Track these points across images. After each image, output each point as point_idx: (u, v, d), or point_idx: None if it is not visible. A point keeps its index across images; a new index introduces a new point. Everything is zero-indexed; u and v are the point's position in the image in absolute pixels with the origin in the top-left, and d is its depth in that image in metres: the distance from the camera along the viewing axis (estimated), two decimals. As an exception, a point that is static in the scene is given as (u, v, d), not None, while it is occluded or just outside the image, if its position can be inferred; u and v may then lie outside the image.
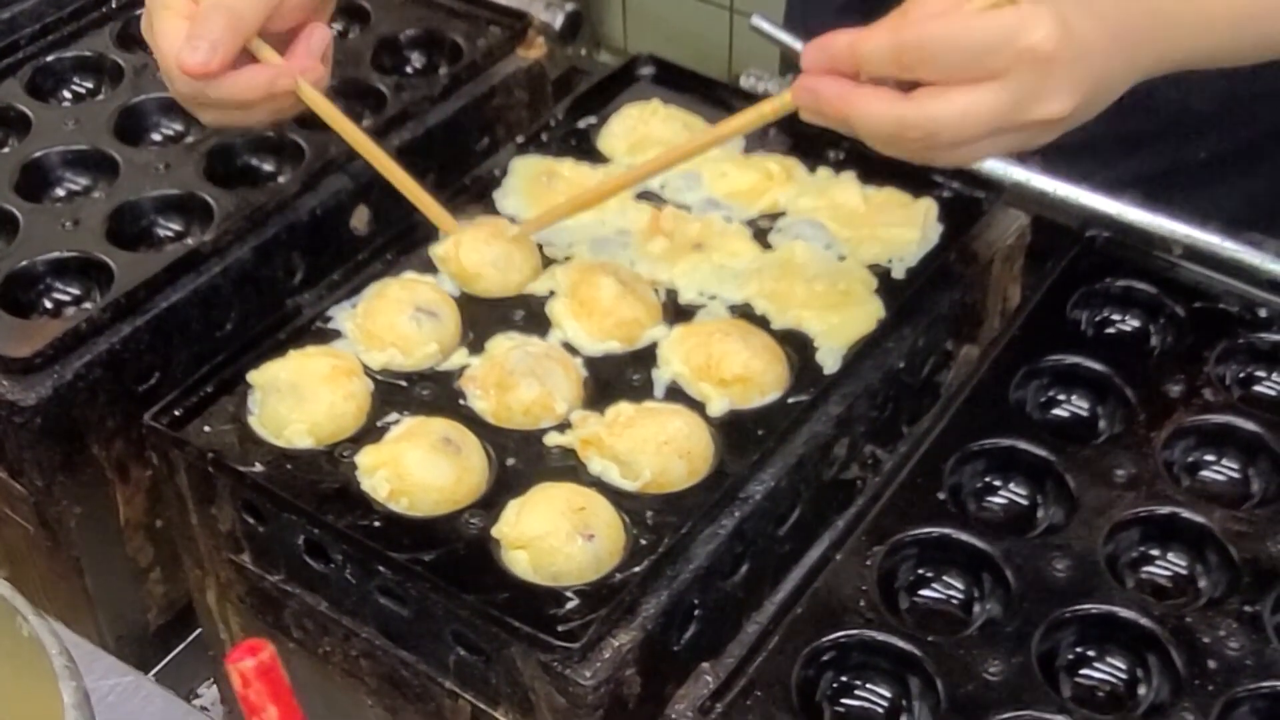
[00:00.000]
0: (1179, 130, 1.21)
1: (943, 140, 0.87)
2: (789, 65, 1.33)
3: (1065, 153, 1.00)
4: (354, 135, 1.08)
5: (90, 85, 1.29)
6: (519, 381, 0.97)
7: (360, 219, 1.18)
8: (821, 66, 0.90)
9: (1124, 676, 0.86)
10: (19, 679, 0.73)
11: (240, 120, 1.07)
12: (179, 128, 1.23)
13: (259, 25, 1.02)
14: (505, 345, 1.01)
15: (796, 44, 1.29)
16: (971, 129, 0.87)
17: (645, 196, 1.14)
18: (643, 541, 0.90)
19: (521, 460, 0.95)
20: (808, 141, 1.17)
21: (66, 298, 1.09)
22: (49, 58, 1.29)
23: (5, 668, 0.74)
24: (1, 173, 1.16)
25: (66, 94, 1.28)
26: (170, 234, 1.14)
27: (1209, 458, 0.98)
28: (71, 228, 1.11)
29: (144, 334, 1.04)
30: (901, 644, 0.85)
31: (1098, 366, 1.01)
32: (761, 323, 1.03)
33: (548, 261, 1.08)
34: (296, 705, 0.62)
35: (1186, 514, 0.92)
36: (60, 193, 1.18)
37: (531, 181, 1.14)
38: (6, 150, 1.20)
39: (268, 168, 1.20)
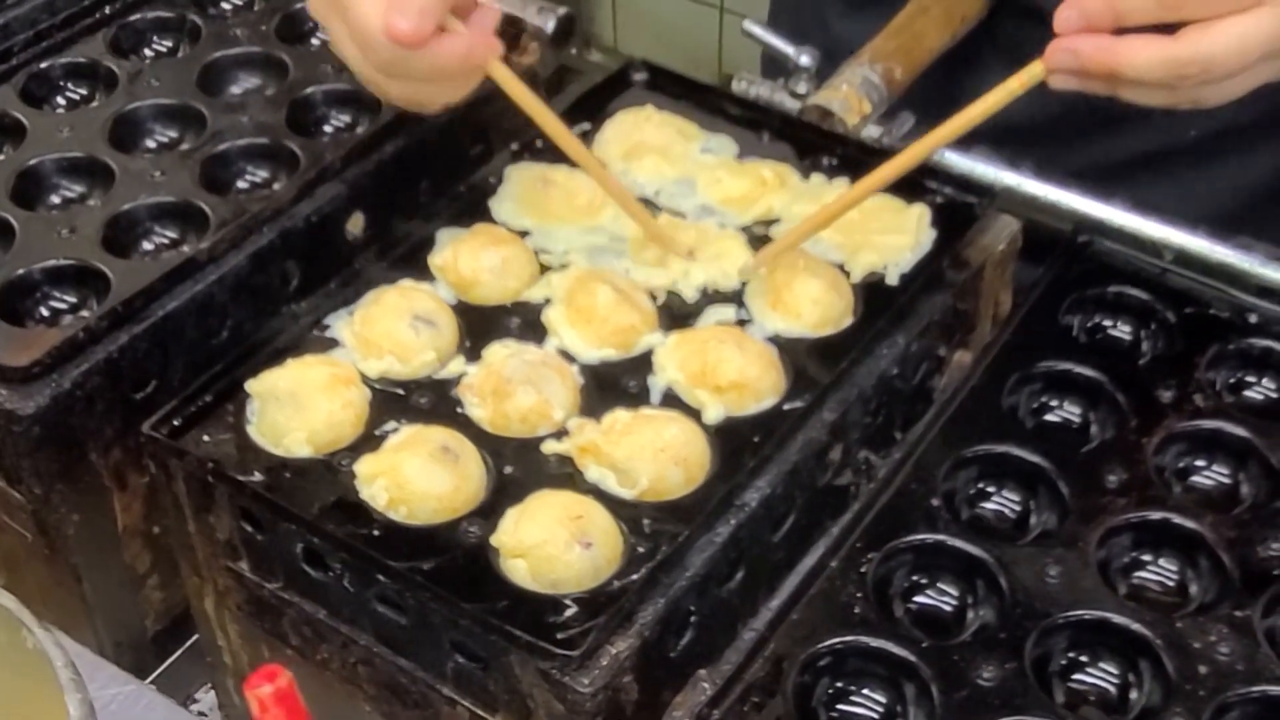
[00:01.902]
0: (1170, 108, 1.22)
1: (1219, 74, 0.88)
2: (775, 68, 1.33)
3: (1056, 133, 1.00)
4: (545, 117, 1.07)
5: (84, 92, 1.29)
6: (516, 389, 0.98)
7: (356, 225, 1.18)
8: (1075, 25, 0.90)
9: (1116, 681, 0.87)
10: (24, 691, 0.73)
11: (428, 96, 1.06)
12: (173, 135, 1.24)
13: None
14: (502, 353, 1.02)
15: (787, 47, 1.30)
16: (1247, 56, 0.87)
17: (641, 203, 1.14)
18: (640, 549, 0.90)
19: (519, 468, 0.95)
20: (801, 148, 1.18)
21: (63, 306, 1.09)
22: (43, 64, 1.29)
23: (11, 680, 0.74)
24: (-3, 181, 1.16)
25: (60, 101, 1.28)
26: (166, 242, 1.15)
27: (1200, 463, 0.98)
28: (68, 236, 1.11)
29: (141, 342, 1.05)
30: (896, 650, 0.86)
31: (1089, 372, 1.02)
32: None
33: (543, 269, 1.09)
34: (314, 729, 0.62)
35: (1178, 520, 0.92)
36: (55, 200, 1.18)
37: (527, 189, 1.14)
38: (1, 157, 1.20)
39: (262, 175, 1.20)
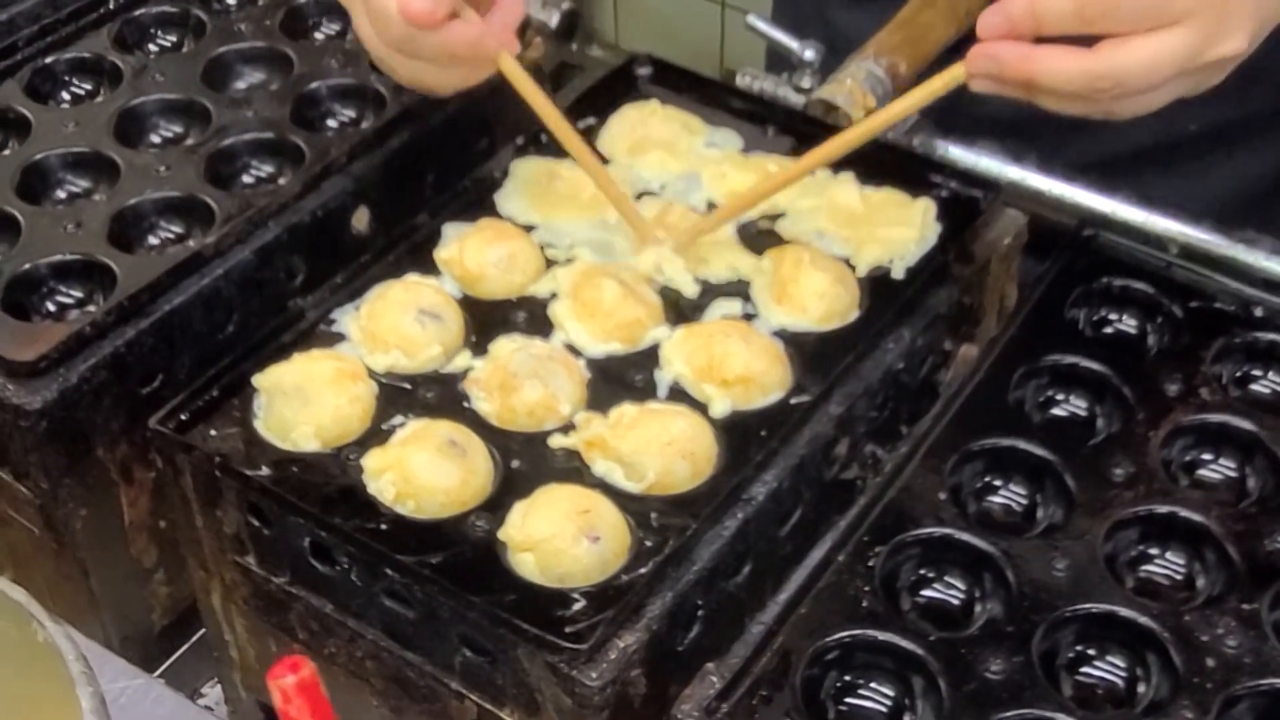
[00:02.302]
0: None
1: (1131, 88, 0.90)
2: (779, 63, 1.33)
3: (1059, 126, 1.01)
4: (549, 113, 1.09)
5: (89, 87, 1.29)
6: (522, 383, 0.98)
7: (361, 220, 1.18)
8: (999, 31, 0.92)
9: (1124, 675, 0.87)
10: (35, 685, 0.74)
11: (435, 80, 1.08)
12: (179, 130, 1.24)
13: None
14: (508, 347, 1.02)
15: (791, 42, 1.30)
16: (1159, 74, 0.89)
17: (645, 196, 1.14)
18: (647, 543, 0.90)
19: (526, 462, 0.95)
20: (806, 143, 1.18)
21: (69, 301, 1.09)
22: (48, 59, 1.28)
23: (22, 673, 0.75)
24: (2, 175, 1.16)
25: (65, 96, 1.28)
26: (171, 236, 1.15)
27: (1206, 456, 0.99)
28: (73, 231, 1.11)
29: (147, 337, 1.05)
30: (904, 643, 0.86)
31: (1096, 366, 1.02)
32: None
33: (549, 263, 1.09)
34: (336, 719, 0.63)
35: (1185, 513, 0.92)
36: (61, 195, 1.18)
37: (532, 183, 1.14)
38: (7, 153, 1.20)
39: (268, 169, 1.20)
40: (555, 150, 1.17)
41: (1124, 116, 0.94)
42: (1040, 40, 0.91)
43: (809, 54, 1.27)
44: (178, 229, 1.15)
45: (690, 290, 1.07)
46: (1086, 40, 0.90)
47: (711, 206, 1.13)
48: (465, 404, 0.99)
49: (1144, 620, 0.87)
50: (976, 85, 0.94)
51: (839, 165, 1.16)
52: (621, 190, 1.11)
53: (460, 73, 1.06)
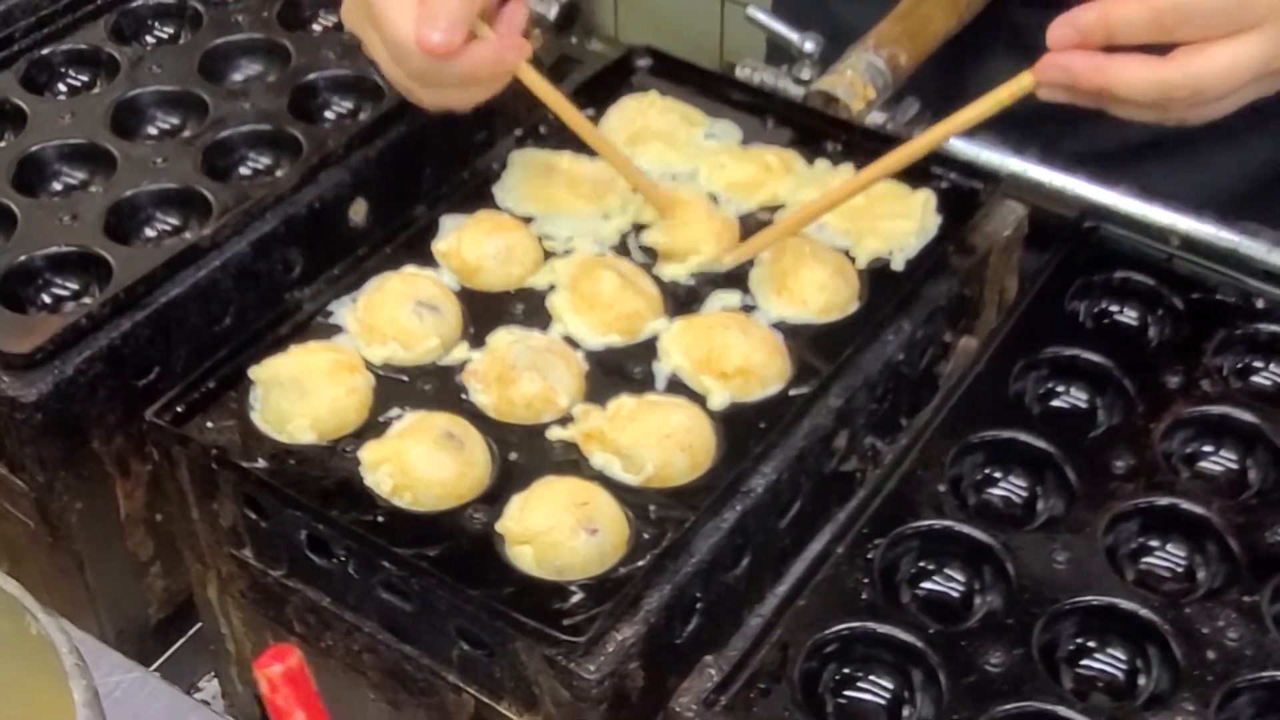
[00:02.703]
0: None
1: (1209, 96, 0.89)
2: (779, 55, 1.33)
3: (1060, 117, 1.01)
4: (572, 116, 1.09)
5: (85, 78, 1.29)
6: (520, 375, 0.97)
7: (358, 212, 1.18)
8: (1070, 41, 0.91)
9: (1124, 667, 0.87)
10: (29, 677, 0.73)
11: (460, 99, 1.07)
12: (175, 121, 1.23)
13: (485, 1, 1.01)
14: (506, 339, 1.01)
15: (791, 33, 1.30)
16: (1236, 80, 0.89)
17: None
18: (645, 536, 0.90)
19: (524, 454, 0.95)
20: (805, 134, 1.18)
21: (65, 293, 1.09)
22: (44, 51, 1.28)
23: (15, 667, 0.74)
24: (-2, 167, 1.16)
25: (62, 87, 1.28)
26: (168, 228, 1.14)
27: (1207, 449, 0.98)
28: (70, 222, 1.11)
29: (144, 329, 1.05)
30: (903, 636, 0.86)
31: (1096, 358, 1.02)
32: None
33: (548, 255, 1.08)
34: (323, 710, 0.62)
35: (1185, 505, 0.92)
36: (57, 187, 1.18)
37: (531, 175, 1.14)
38: (3, 144, 1.20)
39: (265, 161, 1.20)
40: (554, 142, 1.17)
41: (1197, 123, 0.94)
42: (1111, 48, 0.90)
43: (809, 45, 1.27)
44: (174, 221, 1.15)
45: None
46: (1160, 49, 0.89)
47: (710, 198, 1.13)
48: (463, 396, 0.99)
49: (1145, 613, 0.86)
50: (1045, 94, 0.94)
51: (839, 157, 1.16)
52: (645, 176, 1.11)
53: (483, 88, 1.05)
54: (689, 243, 1.08)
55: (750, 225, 1.11)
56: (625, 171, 1.10)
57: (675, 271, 1.07)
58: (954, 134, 1.05)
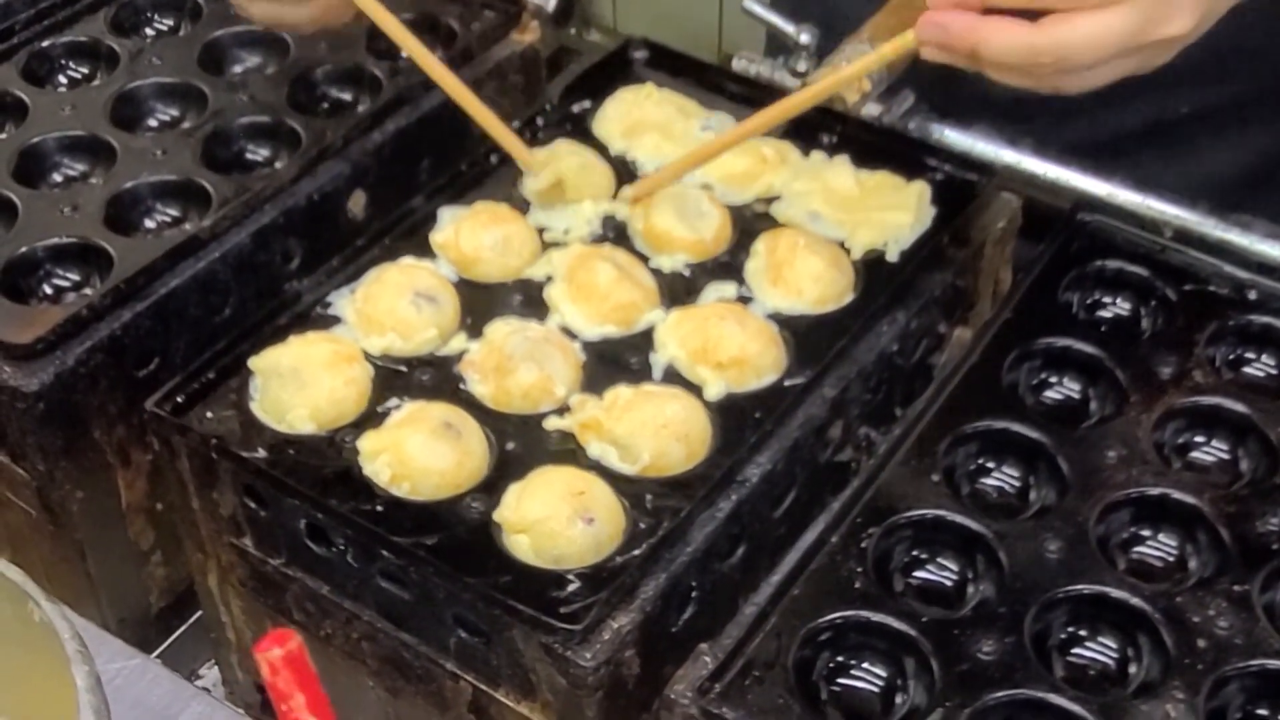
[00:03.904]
0: (1162, 82, 1.22)
1: (1073, 64, 0.90)
2: (777, 46, 1.33)
3: (1052, 107, 1.02)
4: (411, 44, 1.11)
5: (86, 70, 1.29)
6: (518, 366, 0.98)
7: (357, 203, 1.18)
8: (949, 1, 0.92)
9: (1115, 656, 0.87)
10: (31, 663, 0.74)
11: (291, 16, 1.10)
12: (175, 113, 1.24)
13: None
14: (504, 330, 1.02)
15: (788, 26, 1.30)
16: (1101, 51, 0.89)
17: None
18: (642, 525, 0.91)
19: (521, 444, 0.96)
20: (801, 125, 1.18)
21: (66, 284, 1.10)
22: (45, 43, 1.29)
23: (17, 652, 0.75)
24: (-1, 159, 1.17)
25: (62, 79, 1.29)
26: (168, 219, 1.15)
27: (1199, 439, 0.99)
28: (70, 214, 1.11)
29: (144, 319, 1.05)
30: (897, 624, 0.86)
31: (1089, 349, 1.02)
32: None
33: (545, 246, 1.09)
34: (323, 693, 0.63)
35: (1177, 495, 0.93)
36: (58, 179, 1.19)
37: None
38: (4, 136, 1.21)
39: (264, 153, 1.21)
40: (550, 134, 1.17)
41: (1069, 92, 0.95)
42: (990, 12, 0.91)
43: (805, 37, 1.27)
44: (174, 212, 1.15)
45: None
46: (1036, 16, 0.90)
47: (706, 189, 1.14)
48: (461, 386, 0.99)
49: (1136, 601, 0.87)
50: (926, 53, 0.95)
51: (834, 148, 1.16)
52: (497, 120, 1.12)
53: (317, 6, 1.09)
54: (571, 193, 1.10)
55: (746, 217, 1.12)
56: (485, 120, 1.11)
57: (553, 220, 1.10)
58: (838, 89, 1.07)
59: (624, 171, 1.15)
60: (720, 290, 1.06)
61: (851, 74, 1.05)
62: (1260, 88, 1.23)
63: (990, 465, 0.97)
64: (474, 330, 1.03)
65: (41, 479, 1.04)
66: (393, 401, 0.98)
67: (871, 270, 1.08)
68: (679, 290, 1.06)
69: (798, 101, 1.06)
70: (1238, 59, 1.20)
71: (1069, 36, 0.89)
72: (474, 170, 1.15)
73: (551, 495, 0.90)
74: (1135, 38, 0.89)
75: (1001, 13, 0.90)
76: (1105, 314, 1.08)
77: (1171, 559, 0.92)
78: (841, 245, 1.09)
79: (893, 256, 1.08)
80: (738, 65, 1.29)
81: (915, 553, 0.92)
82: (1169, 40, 0.91)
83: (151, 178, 1.15)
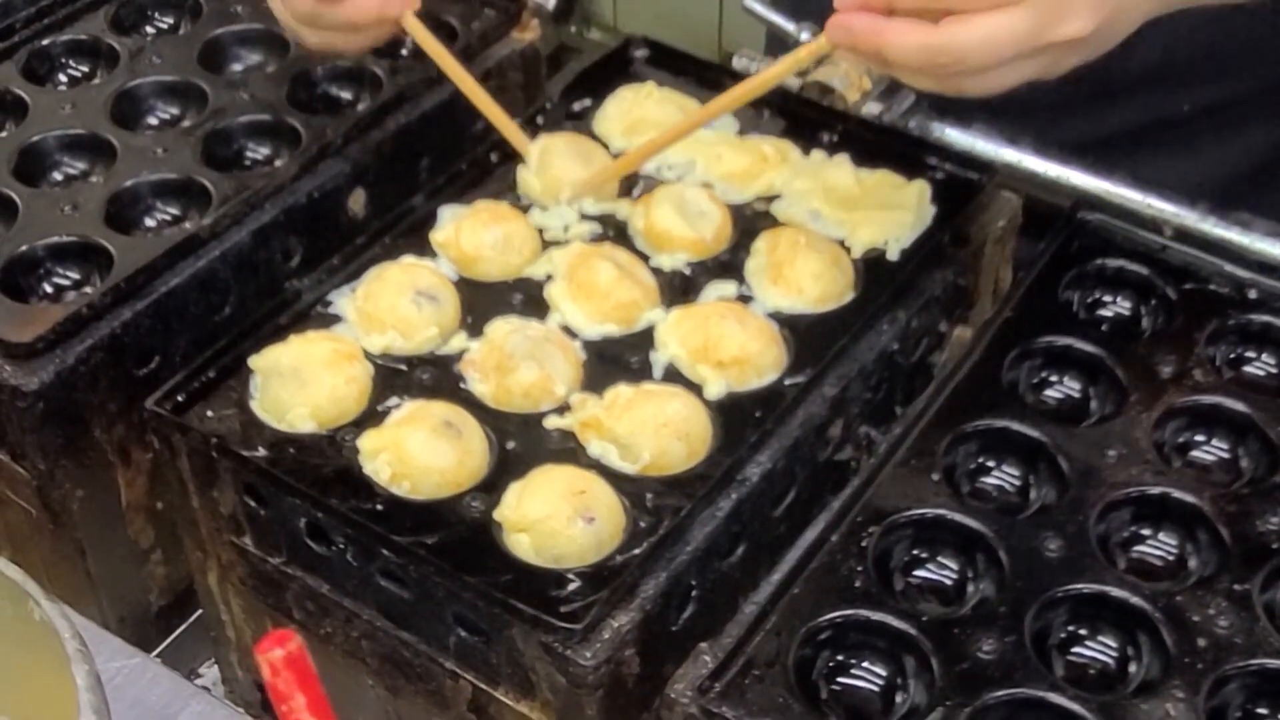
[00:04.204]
0: (1161, 79, 1.22)
1: (971, 65, 0.90)
2: (777, 45, 1.33)
3: (1053, 105, 1.01)
4: (453, 68, 1.13)
5: (86, 69, 1.29)
6: (518, 365, 0.98)
7: (357, 202, 1.18)
8: (855, 3, 0.92)
9: (1115, 655, 0.87)
10: (31, 663, 0.74)
11: (343, 44, 1.13)
12: (175, 111, 1.24)
13: None
14: (504, 329, 1.02)
15: (788, 24, 1.30)
16: (997, 52, 0.90)
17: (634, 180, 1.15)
18: (642, 524, 0.91)
19: (522, 443, 0.96)
20: (802, 124, 1.18)
21: (66, 282, 1.10)
22: (45, 41, 1.29)
23: (18, 651, 0.75)
24: (-1, 157, 1.17)
25: (63, 78, 1.29)
26: (168, 218, 1.15)
27: (1199, 438, 0.99)
28: (70, 212, 1.11)
29: (144, 318, 1.05)
30: (897, 623, 0.86)
31: (1089, 348, 1.02)
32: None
33: (545, 245, 1.09)
34: (323, 694, 0.63)
35: (1177, 494, 0.93)
36: (58, 177, 1.19)
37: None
38: (4, 134, 1.21)
39: (264, 151, 1.21)
40: (552, 129, 1.17)
41: (974, 94, 0.95)
42: (896, 14, 0.92)
43: (805, 36, 1.27)
44: (174, 211, 1.15)
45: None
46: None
47: (707, 189, 1.14)
48: (461, 385, 0.99)
49: (1136, 600, 0.87)
50: (839, 55, 0.96)
51: (835, 147, 1.16)
52: (511, 121, 1.14)
53: (366, 35, 1.12)
54: (554, 183, 1.11)
55: (746, 215, 1.12)
56: (514, 139, 1.13)
57: (547, 219, 1.11)
58: (760, 92, 1.08)
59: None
60: (721, 289, 1.06)
61: (773, 75, 1.05)
62: (1262, 85, 1.23)
63: (990, 464, 0.97)
64: (474, 329, 1.03)
65: (41, 478, 1.04)
66: (393, 400, 0.98)
67: (872, 269, 1.08)
68: (679, 289, 1.06)
69: (727, 100, 1.08)
70: (1240, 56, 1.20)
71: (965, 37, 0.89)
72: (474, 169, 1.15)
73: (552, 494, 0.90)
74: (1032, 39, 0.89)
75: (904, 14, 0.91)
76: (1105, 313, 1.08)
77: (1172, 558, 0.92)
78: (842, 244, 1.09)
79: (893, 255, 1.08)
80: (738, 64, 1.29)
81: (915, 552, 0.92)
82: (1070, 42, 0.91)
83: (152, 176, 1.15)
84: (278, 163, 1.18)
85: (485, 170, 1.15)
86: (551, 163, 1.12)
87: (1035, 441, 0.96)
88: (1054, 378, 1.03)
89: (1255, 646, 0.85)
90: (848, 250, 1.08)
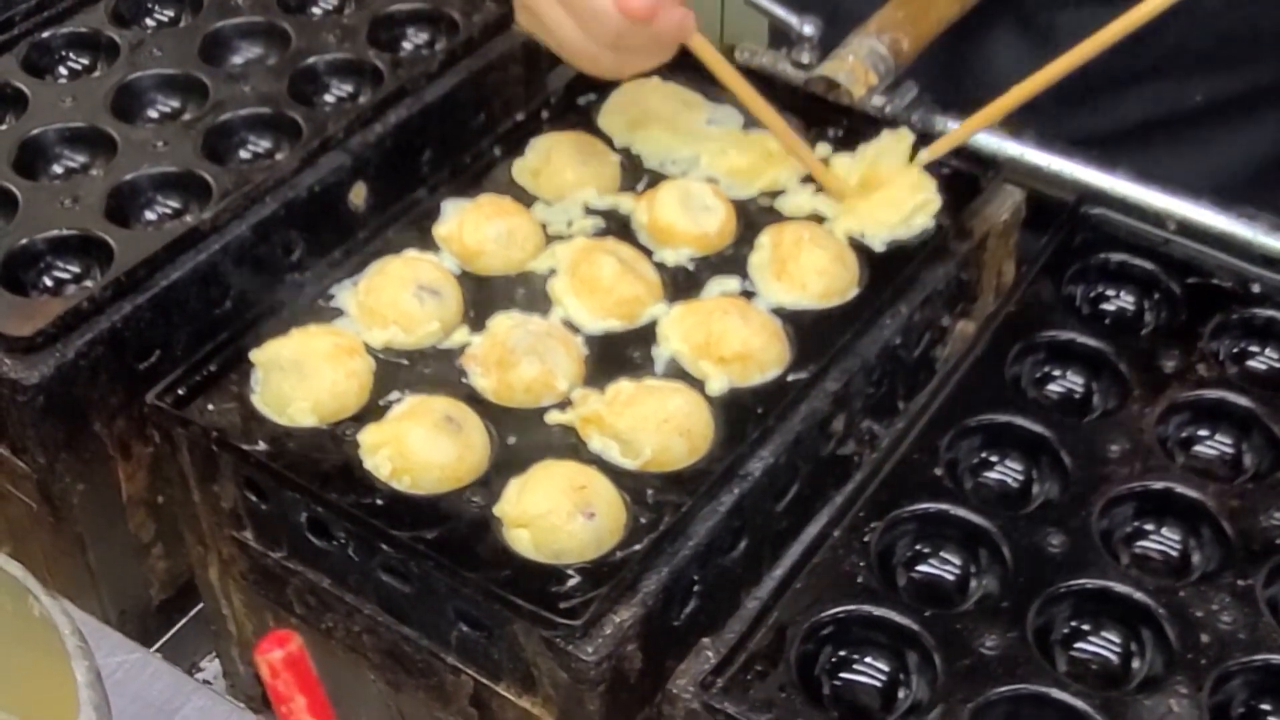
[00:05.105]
0: (1174, 69, 1.22)
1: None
2: (780, 38, 1.33)
3: (1057, 99, 1.01)
4: (740, 86, 1.12)
5: (86, 62, 1.29)
6: (520, 359, 0.98)
7: (358, 195, 1.18)
8: None
9: (1118, 650, 0.87)
10: (31, 659, 0.74)
11: (637, 65, 1.11)
12: (176, 105, 1.24)
13: None
14: (506, 323, 1.02)
15: (791, 17, 1.29)
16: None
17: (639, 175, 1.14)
18: (643, 519, 0.90)
19: (523, 438, 0.95)
20: (807, 119, 1.18)
21: (66, 276, 1.10)
22: (45, 34, 1.28)
23: (18, 647, 0.75)
24: (-1, 150, 1.16)
25: (63, 71, 1.28)
26: (169, 211, 1.15)
27: (1203, 433, 0.98)
28: (70, 206, 1.11)
29: (145, 312, 1.05)
30: (899, 619, 0.86)
31: (1092, 342, 1.02)
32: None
33: (549, 239, 1.09)
34: (324, 695, 0.63)
35: (1181, 489, 0.93)
36: (58, 170, 1.18)
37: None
38: (4, 127, 1.20)
39: (265, 145, 1.20)
40: (555, 127, 1.17)
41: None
42: None
43: (808, 29, 1.27)
44: (175, 204, 1.15)
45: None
46: None
47: (713, 184, 1.13)
48: (462, 380, 0.99)
49: (1139, 596, 0.87)
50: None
51: (839, 144, 1.16)
52: (806, 146, 1.13)
53: (659, 55, 1.10)
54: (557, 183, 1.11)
55: (750, 211, 1.12)
56: (797, 151, 1.12)
57: (551, 214, 1.11)
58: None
59: (628, 164, 1.15)
60: (724, 284, 1.06)
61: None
62: (1274, 76, 1.23)
63: (993, 459, 0.97)
64: (476, 323, 1.03)
65: (42, 472, 1.03)
66: (394, 395, 0.98)
67: (875, 264, 1.07)
68: (682, 284, 1.06)
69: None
70: (1255, 45, 1.20)
71: None
72: (477, 162, 1.15)
73: (553, 489, 0.90)
74: None
75: None
76: (1109, 307, 1.08)
77: (1175, 553, 0.92)
78: (845, 239, 1.08)
79: (896, 250, 1.08)
80: (740, 57, 1.28)
81: (918, 547, 0.92)
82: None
83: (152, 169, 1.14)
84: (279, 156, 1.18)
85: (488, 164, 1.15)
86: (553, 161, 1.12)
87: (1038, 436, 0.96)
88: (1057, 372, 1.03)
89: (1259, 642, 0.85)
90: (851, 245, 1.08)
